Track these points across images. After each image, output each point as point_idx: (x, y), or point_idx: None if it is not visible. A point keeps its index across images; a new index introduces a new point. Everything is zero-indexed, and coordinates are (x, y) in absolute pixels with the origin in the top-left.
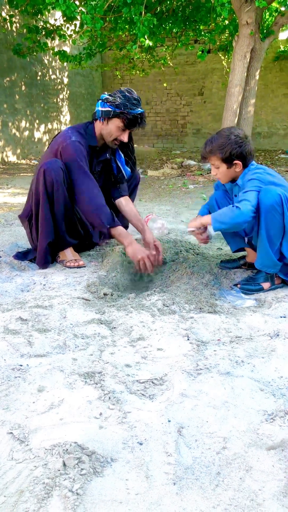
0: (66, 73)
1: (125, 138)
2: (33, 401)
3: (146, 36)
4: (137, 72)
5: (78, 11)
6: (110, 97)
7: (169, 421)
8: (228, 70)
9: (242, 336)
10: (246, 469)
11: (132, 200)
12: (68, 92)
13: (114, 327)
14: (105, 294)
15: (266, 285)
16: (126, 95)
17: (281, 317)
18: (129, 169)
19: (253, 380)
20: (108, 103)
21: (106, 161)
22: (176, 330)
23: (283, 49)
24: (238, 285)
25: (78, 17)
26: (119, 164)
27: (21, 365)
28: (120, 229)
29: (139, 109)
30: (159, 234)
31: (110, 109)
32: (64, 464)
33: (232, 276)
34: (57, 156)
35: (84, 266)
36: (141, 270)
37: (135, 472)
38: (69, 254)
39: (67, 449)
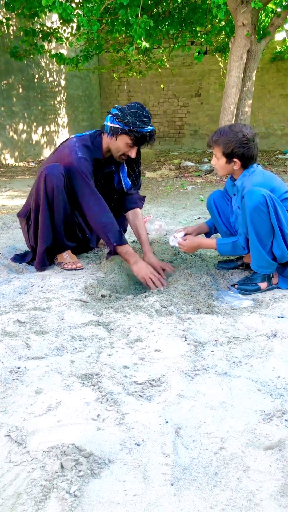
0: (63, 76)
1: (133, 154)
2: (30, 403)
3: (142, 38)
4: (134, 74)
5: (74, 13)
6: (119, 113)
7: (166, 422)
8: (224, 71)
9: (239, 337)
10: (243, 469)
11: None
12: (65, 94)
13: (112, 329)
14: (103, 296)
15: (263, 285)
16: (137, 113)
17: (278, 317)
18: (130, 182)
19: (251, 380)
20: (117, 120)
21: (110, 172)
22: (174, 331)
23: (279, 50)
24: (236, 286)
25: (75, 20)
26: (121, 176)
27: (18, 368)
28: (126, 247)
29: (149, 127)
30: (157, 236)
31: (119, 126)
32: (62, 466)
33: (229, 277)
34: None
35: (82, 268)
36: (148, 287)
37: (132, 473)
38: (67, 256)
39: (64, 451)
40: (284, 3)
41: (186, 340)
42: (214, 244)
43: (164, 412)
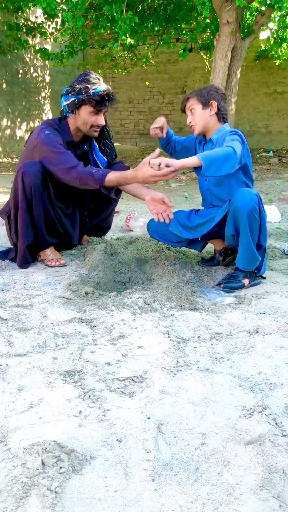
0: (48, 71)
1: (101, 121)
2: (12, 401)
3: (127, 34)
4: (119, 70)
5: (59, 8)
6: (69, 88)
7: (148, 418)
8: (209, 68)
9: (222, 333)
10: (224, 464)
11: (117, 199)
12: (50, 90)
13: (95, 326)
14: (86, 293)
15: (246, 281)
16: (84, 78)
17: (260, 313)
18: (105, 159)
19: (232, 376)
20: (69, 94)
21: (85, 154)
22: (157, 328)
23: (263, 49)
24: (221, 285)
25: (59, 15)
26: (94, 155)
27: (0, 365)
28: (111, 178)
29: (102, 86)
30: (141, 232)
31: (73, 98)
32: (43, 463)
33: (213, 274)
34: (34, 154)
35: (66, 265)
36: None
37: (114, 470)
38: (50, 253)
39: (46, 448)
40: (268, 2)
41: (169, 337)
42: (196, 159)
43: (146, 408)
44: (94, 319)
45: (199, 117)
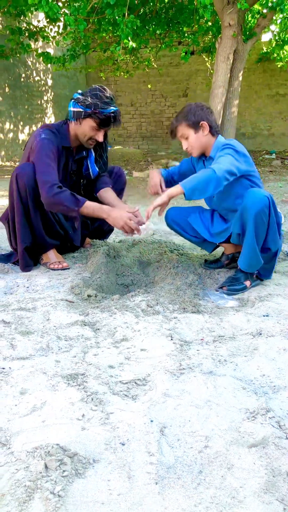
0: (50, 75)
1: (100, 137)
2: (15, 404)
3: (129, 38)
4: (122, 73)
5: (61, 12)
6: (81, 97)
7: (151, 421)
8: (211, 71)
9: (225, 335)
10: (227, 467)
11: None
12: (52, 93)
13: (98, 329)
14: (89, 296)
15: (247, 283)
16: (98, 94)
17: (263, 316)
18: (97, 169)
19: (236, 378)
20: (79, 103)
21: (81, 159)
22: (160, 331)
23: (265, 51)
24: (224, 288)
25: (61, 19)
26: (89, 163)
27: (3, 368)
28: (89, 205)
29: (112, 107)
30: (144, 235)
31: (81, 109)
32: (46, 466)
33: (215, 276)
34: (30, 156)
35: (68, 268)
36: (128, 234)
37: (117, 473)
38: (52, 256)
39: (49, 451)
40: (270, 4)
41: (172, 339)
42: (179, 187)
43: (149, 411)
44: (97, 322)
45: (194, 141)
